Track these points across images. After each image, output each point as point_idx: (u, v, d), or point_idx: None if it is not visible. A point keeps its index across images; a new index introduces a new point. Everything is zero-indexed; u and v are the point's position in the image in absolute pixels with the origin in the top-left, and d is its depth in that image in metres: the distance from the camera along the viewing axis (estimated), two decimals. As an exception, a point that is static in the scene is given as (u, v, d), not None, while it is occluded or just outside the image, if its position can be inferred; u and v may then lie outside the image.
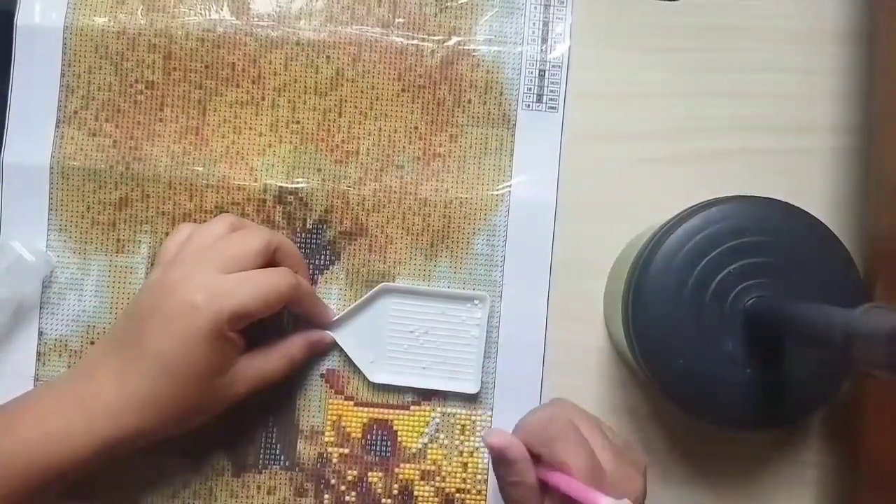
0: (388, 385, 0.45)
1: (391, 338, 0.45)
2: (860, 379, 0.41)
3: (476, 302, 0.45)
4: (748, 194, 0.39)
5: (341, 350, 0.45)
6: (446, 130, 0.46)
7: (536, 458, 0.37)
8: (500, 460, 0.36)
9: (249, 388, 0.40)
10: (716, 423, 0.38)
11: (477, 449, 0.45)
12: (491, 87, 0.46)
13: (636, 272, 0.38)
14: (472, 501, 0.45)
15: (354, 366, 0.45)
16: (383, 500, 0.45)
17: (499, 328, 0.45)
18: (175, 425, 0.39)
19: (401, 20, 0.46)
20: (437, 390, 0.45)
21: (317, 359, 0.45)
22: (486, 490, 0.45)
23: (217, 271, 0.38)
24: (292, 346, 0.43)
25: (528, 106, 0.46)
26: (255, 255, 0.40)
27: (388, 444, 0.45)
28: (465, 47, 0.46)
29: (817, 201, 0.45)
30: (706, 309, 0.37)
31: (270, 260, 0.41)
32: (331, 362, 0.45)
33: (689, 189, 0.43)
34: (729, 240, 0.37)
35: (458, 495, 0.45)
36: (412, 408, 0.45)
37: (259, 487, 0.45)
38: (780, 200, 0.38)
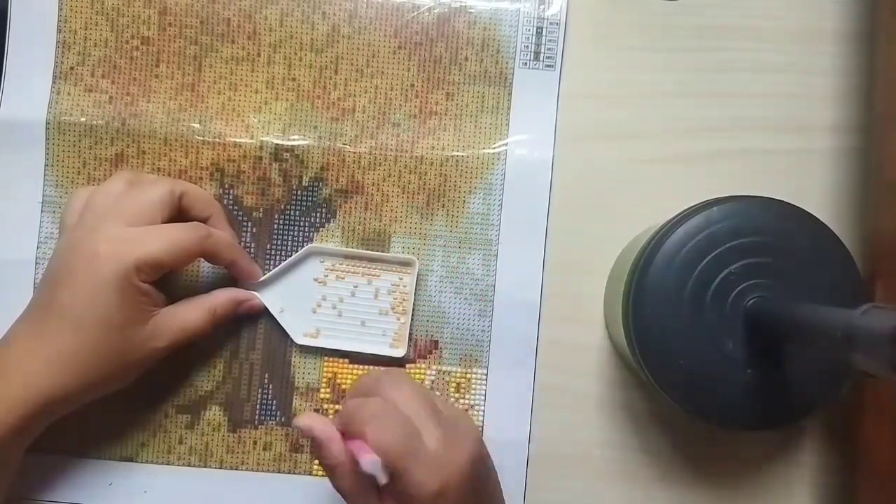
0: (316, 347, 0.45)
1: (319, 299, 0.45)
2: (860, 379, 0.41)
3: (405, 266, 0.45)
4: (748, 194, 0.39)
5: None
6: (442, 88, 0.46)
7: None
8: (311, 441, 0.36)
9: (170, 341, 0.40)
10: (716, 423, 0.38)
11: (472, 406, 0.45)
12: (488, 45, 0.46)
13: (636, 272, 0.38)
14: None
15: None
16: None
17: (494, 287, 0.45)
18: (101, 381, 0.39)
19: None
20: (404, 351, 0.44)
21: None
22: None
23: (122, 225, 0.38)
24: (215, 299, 0.42)
25: (525, 64, 0.46)
26: (160, 204, 0.39)
27: None
28: (462, 4, 0.46)
29: (817, 201, 0.45)
30: (706, 309, 0.37)
31: (180, 209, 0.41)
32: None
33: (689, 189, 0.43)
34: (729, 240, 0.37)
35: None
36: (407, 365, 0.45)
37: (255, 443, 0.45)
38: (780, 200, 0.38)
